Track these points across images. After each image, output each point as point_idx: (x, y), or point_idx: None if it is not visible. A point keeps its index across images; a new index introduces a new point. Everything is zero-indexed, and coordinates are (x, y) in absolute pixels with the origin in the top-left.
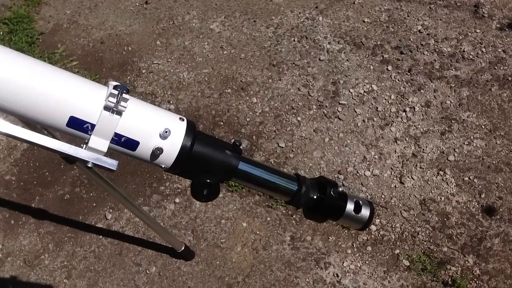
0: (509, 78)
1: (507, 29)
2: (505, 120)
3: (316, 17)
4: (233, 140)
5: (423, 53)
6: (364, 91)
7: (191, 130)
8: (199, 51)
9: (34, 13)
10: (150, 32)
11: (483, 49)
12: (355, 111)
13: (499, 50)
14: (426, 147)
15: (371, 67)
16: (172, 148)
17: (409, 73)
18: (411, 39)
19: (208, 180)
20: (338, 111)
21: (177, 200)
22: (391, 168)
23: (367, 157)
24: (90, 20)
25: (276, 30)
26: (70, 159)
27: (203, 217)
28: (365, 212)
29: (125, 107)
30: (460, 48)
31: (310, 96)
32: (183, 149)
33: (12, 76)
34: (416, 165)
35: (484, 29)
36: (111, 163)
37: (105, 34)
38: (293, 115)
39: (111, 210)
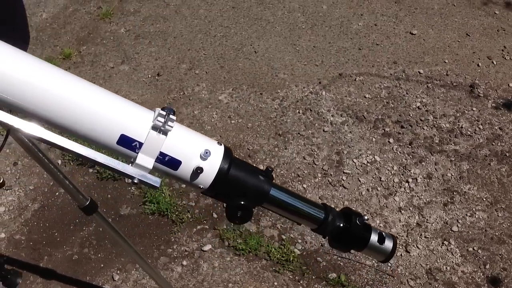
0: (507, 154)
1: (502, 108)
2: (505, 193)
3: (319, 91)
4: (265, 167)
5: (423, 128)
6: (368, 162)
7: (228, 154)
8: (208, 119)
9: None
10: (161, 101)
11: (480, 126)
12: (359, 180)
13: (496, 128)
14: (430, 217)
15: (373, 139)
16: (211, 169)
17: (410, 146)
18: (411, 115)
19: (242, 202)
20: (343, 179)
21: (184, 262)
22: (397, 237)
23: (372, 225)
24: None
25: (282, 103)
26: (89, 211)
27: (210, 280)
28: (388, 243)
29: (172, 127)
30: (458, 125)
31: (315, 164)
32: (220, 170)
33: (70, 95)
34: (421, 235)
35: (480, 108)
36: (155, 180)
37: None
38: (299, 182)
39: (118, 272)
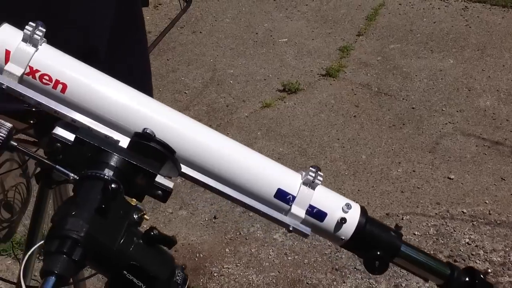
0: None
1: None
2: None
3: None
4: (395, 224)
5: (476, 262)
6: None
7: (363, 210)
8: (265, 257)
9: None
10: (219, 242)
11: None
12: None
13: None
14: None
15: None
16: (352, 221)
17: None
18: (462, 250)
19: (378, 253)
20: None
21: None
22: None
23: None
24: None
25: None
26: None
27: None
28: None
29: (320, 182)
30: (509, 258)
31: None
32: (360, 223)
33: (239, 156)
34: None
35: None
36: (307, 229)
37: (179, 244)
38: None
39: None
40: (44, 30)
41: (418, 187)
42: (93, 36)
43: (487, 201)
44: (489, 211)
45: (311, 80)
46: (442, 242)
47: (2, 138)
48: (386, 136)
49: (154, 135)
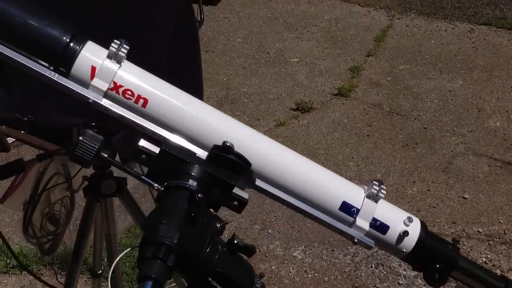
0: None
1: None
2: None
3: None
4: (452, 238)
5: None
6: None
7: (423, 224)
8: (285, 274)
9: None
10: None
11: None
12: None
13: None
14: None
15: None
16: (413, 234)
17: None
18: None
19: (438, 266)
20: None
21: None
22: None
23: None
24: None
25: (354, 258)
26: None
27: None
28: None
29: (383, 196)
30: None
31: None
32: (420, 237)
33: (307, 170)
34: None
35: None
36: (371, 241)
37: None
38: None
39: None
40: (128, 47)
41: (433, 206)
42: (152, 53)
43: (501, 221)
44: (504, 230)
45: (323, 99)
46: None
47: (95, 149)
48: (400, 155)
49: (234, 148)
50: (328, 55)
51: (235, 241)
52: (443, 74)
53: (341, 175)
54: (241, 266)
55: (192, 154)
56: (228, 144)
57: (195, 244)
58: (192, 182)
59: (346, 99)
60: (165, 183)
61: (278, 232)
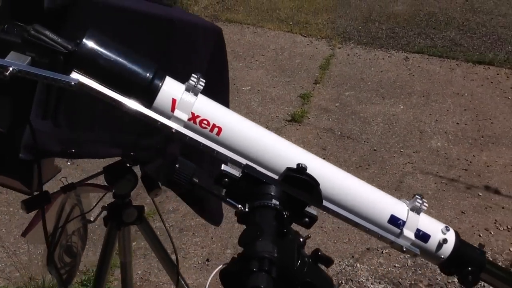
0: None
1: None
2: None
3: (354, 264)
4: (478, 244)
5: None
6: None
7: (457, 232)
8: None
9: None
10: (216, 284)
11: None
12: None
13: None
14: None
15: None
16: (450, 241)
17: None
18: (439, 278)
19: (470, 268)
20: None
21: None
22: None
23: None
24: (161, 277)
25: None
26: None
27: None
28: None
29: (425, 209)
30: (481, 284)
31: None
32: (456, 244)
33: (359, 188)
34: None
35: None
36: (416, 250)
37: None
38: None
39: None
40: (204, 81)
41: None
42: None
43: None
44: None
45: (278, 125)
46: (420, 272)
47: (190, 175)
48: (355, 176)
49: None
50: (277, 83)
51: (320, 253)
52: (386, 99)
53: None
54: (323, 276)
55: (268, 176)
56: (303, 165)
57: (288, 257)
58: (275, 201)
59: (299, 125)
60: (249, 204)
61: None
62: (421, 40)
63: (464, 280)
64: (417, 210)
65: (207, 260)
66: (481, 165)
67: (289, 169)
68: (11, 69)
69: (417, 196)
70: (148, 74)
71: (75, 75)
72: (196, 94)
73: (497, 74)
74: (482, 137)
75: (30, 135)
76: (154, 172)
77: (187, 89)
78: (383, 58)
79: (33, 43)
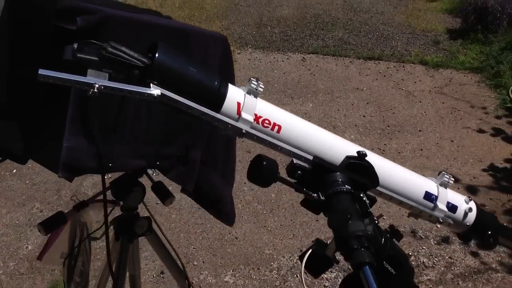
0: (466, 274)
1: (443, 243)
2: None
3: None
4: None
5: None
6: None
7: (475, 201)
8: None
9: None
10: None
11: (435, 259)
12: None
13: (447, 257)
14: None
15: None
16: (473, 210)
17: None
18: None
19: (489, 232)
20: None
21: None
22: None
23: None
24: None
25: (279, 272)
26: None
27: None
28: None
29: (452, 183)
30: (420, 260)
31: None
32: (478, 211)
33: (399, 170)
34: None
35: (428, 246)
36: (449, 220)
37: None
38: None
39: None
40: (263, 85)
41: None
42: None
43: (385, 217)
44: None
45: None
46: None
47: (276, 172)
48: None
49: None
50: None
51: (396, 228)
52: (294, 99)
53: (241, 200)
54: (400, 249)
55: (334, 165)
56: (363, 152)
57: (375, 233)
58: (347, 186)
59: None
60: (323, 192)
61: (203, 262)
62: (313, 41)
63: (486, 243)
64: (444, 185)
65: (162, 272)
66: (393, 152)
67: (349, 157)
68: (97, 85)
69: (443, 172)
70: (216, 82)
71: (154, 87)
72: (256, 97)
73: (387, 68)
74: (388, 126)
75: (67, 154)
76: (176, 178)
77: (249, 92)
78: (282, 61)
79: (110, 60)
